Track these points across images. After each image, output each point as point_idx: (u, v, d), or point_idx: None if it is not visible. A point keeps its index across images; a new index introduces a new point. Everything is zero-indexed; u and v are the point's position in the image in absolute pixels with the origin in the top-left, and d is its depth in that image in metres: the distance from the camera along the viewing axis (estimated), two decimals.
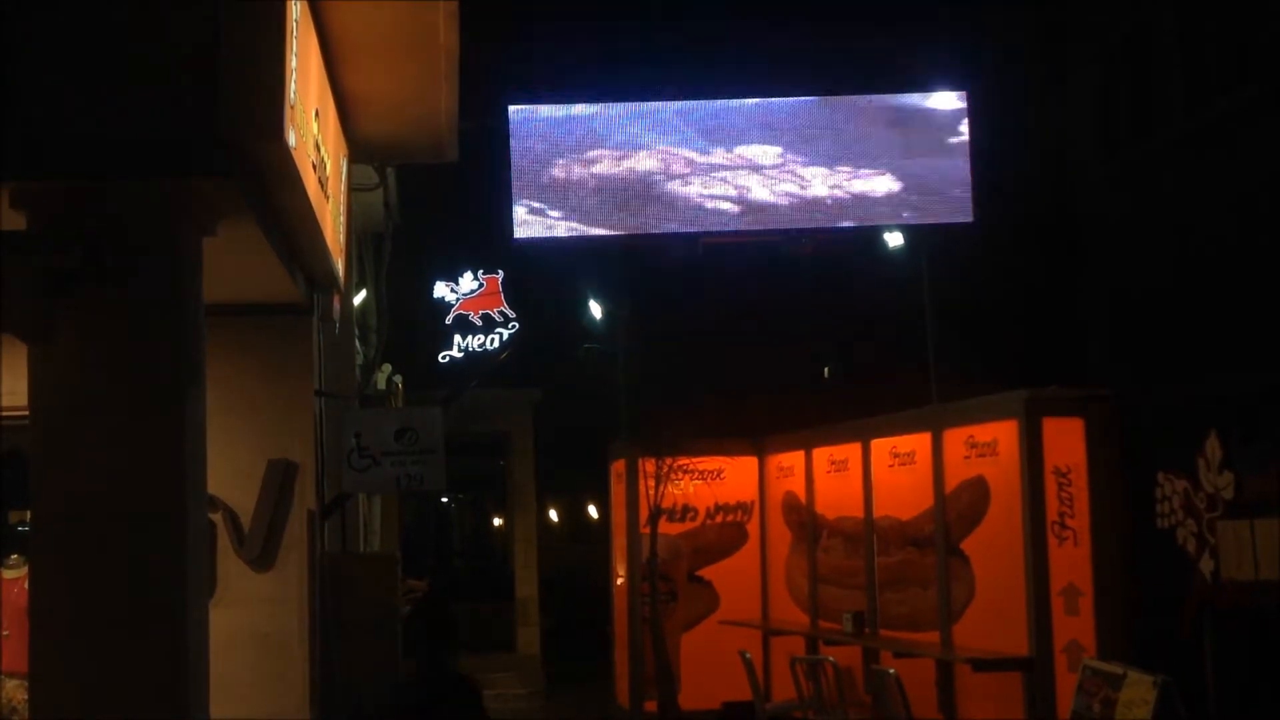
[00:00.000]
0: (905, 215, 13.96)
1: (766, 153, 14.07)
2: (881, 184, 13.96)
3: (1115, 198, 12.88)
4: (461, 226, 18.07)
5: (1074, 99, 13.51)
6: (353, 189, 9.35)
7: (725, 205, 14.10)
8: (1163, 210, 12.01)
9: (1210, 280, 11.20)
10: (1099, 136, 13.03)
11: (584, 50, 17.85)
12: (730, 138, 14.14)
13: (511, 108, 14.02)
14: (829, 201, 14.03)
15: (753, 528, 15.38)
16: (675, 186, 14.11)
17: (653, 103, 14.22)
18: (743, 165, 14.10)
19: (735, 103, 14.22)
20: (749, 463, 15.47)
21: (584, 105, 14.14)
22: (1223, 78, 11.16)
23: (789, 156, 14.11)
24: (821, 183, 14.02)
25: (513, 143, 13.97)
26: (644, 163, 14.08)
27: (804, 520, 14.44)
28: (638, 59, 17.77)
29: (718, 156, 14.11)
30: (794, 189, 14.08)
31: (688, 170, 14.09)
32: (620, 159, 14.08)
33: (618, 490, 15.70)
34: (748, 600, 15.14)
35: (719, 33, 18.35)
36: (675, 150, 14.12)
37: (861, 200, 14.00)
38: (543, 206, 14.01)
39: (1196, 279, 11.41)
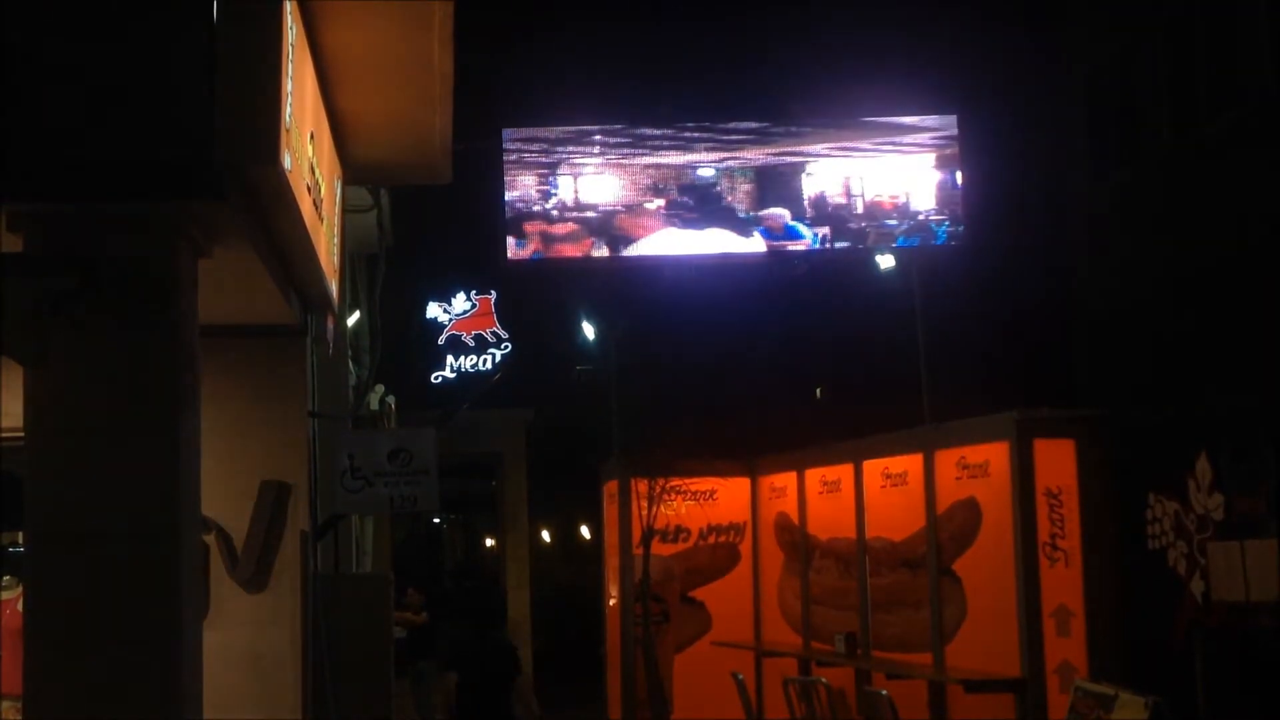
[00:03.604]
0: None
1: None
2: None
3: (1105, 218, 12.94)
4: (454, 248, 18.12)
5: (1064, 121, 13.58)
6: (346, 210, 9.38)
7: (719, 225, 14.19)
8: (1152, 231, 12.07)
9: (1200, 300, 11.25)
10: (1089, 157, 13.09)
11: (578, 72, 17.93)
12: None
13: (506, 130, 14.08)
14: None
15: (745, 549, 15.38)
16: (669, 206, 14.18)
17: (646, 125, 14.31)
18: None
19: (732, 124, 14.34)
20: (741, 483, 15.48)
21: (578, 127, 14.20)
22: (1210, 98, 11.23)
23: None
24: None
25: (505, 164, 14.04)
26: (626, 183, 14.14)
27: (796, 541, 14.46)
28: (633, 82, 17.85)
29: (711, 175, 14.20)
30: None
31: (679, 190, 14.16)
32: (604, 180, 14.14)
33: (610, 511, 15.71)
34: (740, 621, 15.14)
35: (712, 57, 18.44)
36: (668, 170, 14.19)
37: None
38: (536, 227, 14.05)
39: (1186, 299, 11.46)
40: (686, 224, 14.10)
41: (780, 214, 14.08)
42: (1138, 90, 12.19)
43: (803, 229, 14.09)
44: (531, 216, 13.98)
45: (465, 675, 10.63)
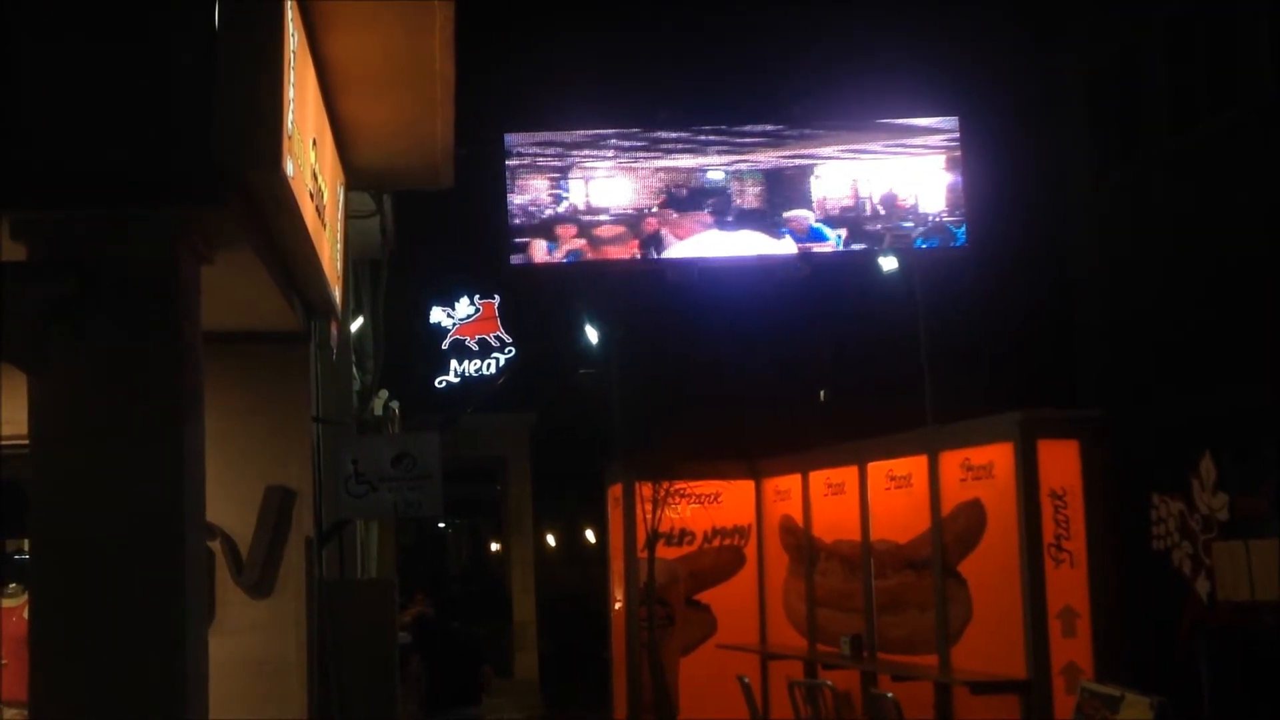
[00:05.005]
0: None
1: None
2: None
3: (1107, 219, 12.94)
4: (457, 252, 18.13)
5: (1065, 121, 13.58)
6: (349, 216, 9.39)
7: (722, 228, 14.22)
8: (1153, 230, 12.06)
9: (1202, 300, 11.24)
10: (1089, 157, 13.09)
11: (579, 76, 17.94)
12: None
13: (512, 134, 14.11)
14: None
15: (750, 551, 15.39)
16: (670, 209, 14.19)
17: (648, 129, 14.34)
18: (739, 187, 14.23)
19: (734, 127, 14.39)
20: (746, 486, 15.48)
21: (592, 131, 14.23)
22: (1210, 98, 11.23)
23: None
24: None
25: (508, 168, 14.06)
26: (638, 186, 14.17)
27: (801, 544, 14.45)
28: (634, 85, 17.86)
29: (715, 178, 14.23)
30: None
31: (682, 193, 14.19)
32: (616, 184, 14.17)
33: (615, 514, 15.71)
34: (745, 624, 15.14)
35: (712, 60, 18.45)
36: (670, 173, 14.22)
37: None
38: (538, 231, 14.07)
39: (1188, 299, 11.46)
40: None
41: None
42: (1138, 90, 12.18)
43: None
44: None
45: (429, 658, 11.75)
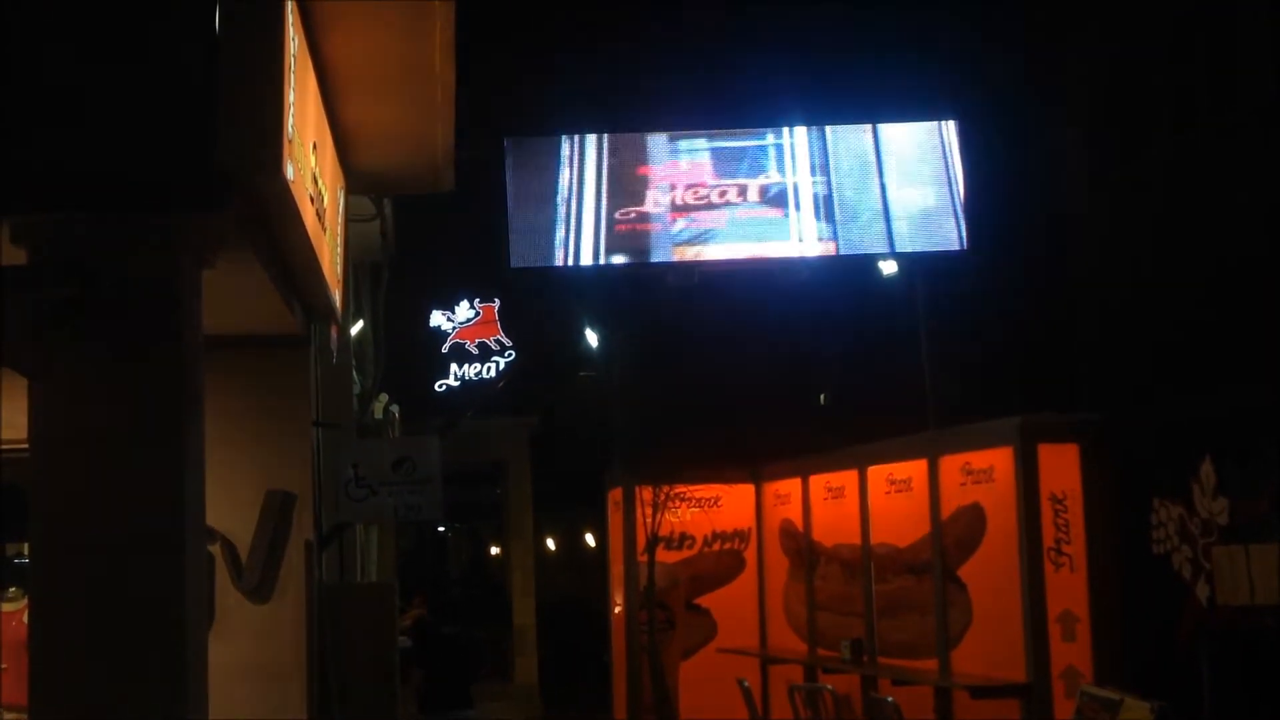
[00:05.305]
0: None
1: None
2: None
3: (1107, 219, 12.94)
4: (458, 256, 18.14)
5: (1064, 122, 13.59)
6: (350, 219, 9.39)
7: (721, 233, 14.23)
8: (1153, 232, 12.07)
9: (1202, 302, 11.24)
10: (1090, 158, 13.09)
11: (580, 80, 17.96)
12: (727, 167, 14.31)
13: (506, 138, 14.13)
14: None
15: (750, 555, 15.38)
16: (670, 215, 14.21)
17: (647, 133, 14.37)
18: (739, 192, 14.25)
19: (732, 132, 14.41)
20: (746, 490, 15.48)
21: (579, 135, 14.25)
22: (1210, 99, 11.24)
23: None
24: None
25: (508, 172, 14.08)
26: (638, 190, 14.19)
27: (801, 548, 14.45)
28: (633, 90, 17.88)
29: (713, 183, 14.24)
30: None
31: (682, 199, 14.20)
32: (616, 187, 14.19)
33: (615, 518, 15.70)
34: (746, 628, 15.13)
35: (712, 63, 18.47)
36: (670, 178, 14.23)
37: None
38: (538, 235, 14.08)
39: (1188, 301, 11.45)
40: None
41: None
42: (1138, 90, 12.19)
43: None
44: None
45: (429, 664, 12.05)
